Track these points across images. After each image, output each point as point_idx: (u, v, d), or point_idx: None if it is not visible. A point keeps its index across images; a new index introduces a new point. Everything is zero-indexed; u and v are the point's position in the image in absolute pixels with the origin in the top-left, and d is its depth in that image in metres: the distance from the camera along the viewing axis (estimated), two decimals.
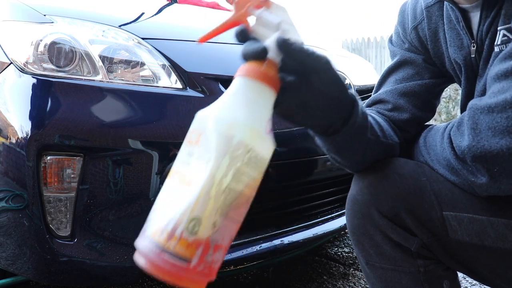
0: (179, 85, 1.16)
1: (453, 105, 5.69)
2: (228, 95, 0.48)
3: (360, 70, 1.92)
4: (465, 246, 0.70)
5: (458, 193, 0.70)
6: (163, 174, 1.05)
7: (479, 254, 0.71)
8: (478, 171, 0.63)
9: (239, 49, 0.52)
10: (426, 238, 0.72)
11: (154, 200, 1.03)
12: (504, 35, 0.68)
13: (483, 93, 0.72)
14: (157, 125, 1.06)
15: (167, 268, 0.43)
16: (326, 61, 0.56)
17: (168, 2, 2.01)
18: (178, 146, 1.19)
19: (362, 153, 0.72)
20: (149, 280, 1.58)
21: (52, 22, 1.14)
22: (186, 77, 1.17)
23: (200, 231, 0.43)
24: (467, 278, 1.58)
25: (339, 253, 1.90)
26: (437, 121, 5.65)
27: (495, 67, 0.64)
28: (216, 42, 1.29)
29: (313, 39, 1.96)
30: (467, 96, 0.80)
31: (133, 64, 1.14)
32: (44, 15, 1.16)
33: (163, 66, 1.17)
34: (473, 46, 0.75)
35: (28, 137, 0.98)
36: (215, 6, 2.20)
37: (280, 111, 0.55)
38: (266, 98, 0.50)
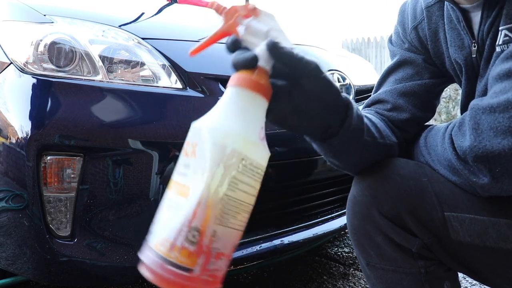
0: (179, 85, 1.16)
1: (453, 105, 5.69)
2: (221, 105, 0.49)
3: (360, 70, 1.91)
4: (467, 246, 0.70)
5: (459, 194, 0.70)
6: (163, 174, 1.05)
7: (480, 254, 0.70)
8: (480, 172, 0.63)
9: None
10: (427, 239, 0.72)
11: (154, 200, 1.04)
12: (505, 35, 0.68)
13: (484, 93, 0.72)
14: (157, 125, 1.06)
15: (171, 278, 0.44)
16: (316, 66, 0.56)
17: (168, 2, 2.01)
18: (178, 146, 1.19)
19: (360, 155, 0.72)
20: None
21: (52, 22, 1.14)
22: (186, 77, 1.17)
23: (200, 240, 0.44)
24: (467, 278, 1.58)
25: (339, 253, 1.90)
26: (437, 121, 5.66)
27: (497, 67, 0.64)
28: (216, 42, 1.28)
29: (313, 39, 1.96)
30: (468, 96, 0.80)
31: (133, 64, 1.14)
32: (44, 15, 1.16)
33: (163, 66, 1.17)
34: (474, 46, 0.75)
35: (28, 137, 0.98)
36: None
37: (273, 117, 0.55)
38: (258, 106, 0.50)
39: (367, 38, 8.87)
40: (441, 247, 0.72)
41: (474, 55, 0.76)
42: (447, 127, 0.70)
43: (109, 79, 1.09)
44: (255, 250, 1.20)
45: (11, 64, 1.07)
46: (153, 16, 1.58)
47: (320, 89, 0.58)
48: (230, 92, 0.50)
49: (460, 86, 0.83)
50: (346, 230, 1.60)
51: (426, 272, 0.73)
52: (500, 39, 0.69)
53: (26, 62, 1.06)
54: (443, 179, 0.71)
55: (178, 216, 0.45)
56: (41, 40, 1.08)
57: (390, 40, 0.94)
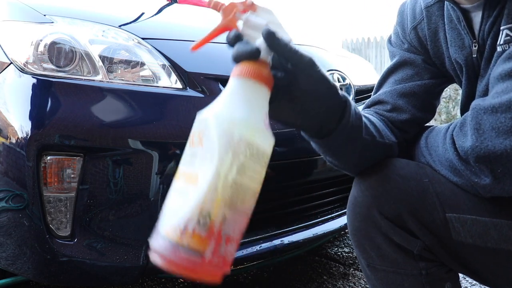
0: (179, 85, 1.16)
1: (453, 105, 5.69)
2: (226, 95, 0.50)
3: (360, 70, 1.91)
4: (468, 247, 0.70)
5: (460, 195, 0.70)
6: (163, 174, 1.05)
7: (482, 255, 0.70)
8: (482, 172, 0.63)
9: None
10: (428, 240, 0.72)
11: (154, 200, 1.03)
12: (507, 35, 0.68)
13: (485, 93, 0.72)
14: (157, 125, 1.06)
15: (183, 263, 0.45)
16: (310, 59, 0.56)
17: (168, 2, 2.00)
18: (178, 146, 1.19)
19: (359, 155, 0.71)
20: (149, 280, 1.58)
21: (52, 22, 1.14)
22: (186, 77, 1.17)
23: (211, 224, 0.45)
24: (467, 279, 1.58)
25: (339, 253, 1.90)
26: (437, 121, 5.65)
27: (499, 67, 0.64)
28: (216, 42, 1.28)
29: (313, 39, 1.95)
30: (468, 96, 0.80)
31: (133, 64, 1.14)
32: (44, 15, 1.16)
33: (163, 66, 1.17)
34: (475, 46, 0.75)
35: (28, 137, 0.98)
36: None
37: (273, 111, 0.56)
38: (262, 95, 0.52)
39: (367, 38, 8.87)
40: (442, 248, 0.72)
41: (475, 55, 0.76)
42: (448, 127, 0.70)
43: (109, 79, 1.08)
44: (255, 250, 1.20)
45: (11, 64, 1.07)
46: (153, 16, 1.58)
47: (316, 82, 0.58)
48: (233, 83, 0.51)
49: (460, 87, 0.83)
50: (346, 230, 1.60)
51: (427, 273, 0.72)
52: (502, 38, 0.68)
53: (26, 62, 1.06)
54: (444, 180, 0.71)
55: (188, 202, 0.46)
56: (41, 40, 1.08)
57: (389, 41, 0.94)
